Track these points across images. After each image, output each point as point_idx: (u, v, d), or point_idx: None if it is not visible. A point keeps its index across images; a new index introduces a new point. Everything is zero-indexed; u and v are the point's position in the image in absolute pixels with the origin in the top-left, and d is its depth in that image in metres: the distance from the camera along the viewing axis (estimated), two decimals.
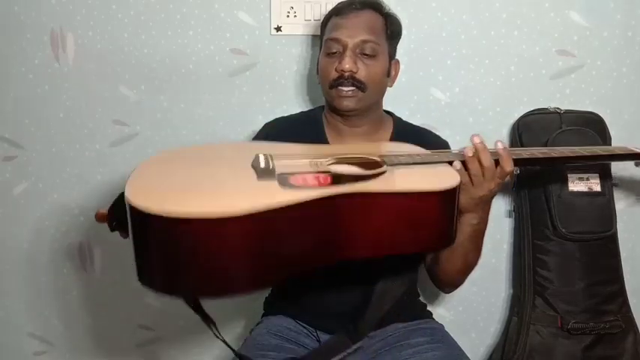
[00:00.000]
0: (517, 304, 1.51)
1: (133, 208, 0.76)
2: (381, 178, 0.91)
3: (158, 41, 1.52)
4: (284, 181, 0.85)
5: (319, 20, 1.31)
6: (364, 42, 1.15)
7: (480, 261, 1.24)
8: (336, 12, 1.21)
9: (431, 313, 1.30)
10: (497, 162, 1.00)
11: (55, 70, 1.55)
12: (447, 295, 1.53)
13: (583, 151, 1.08)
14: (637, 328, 1.45)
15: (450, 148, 1.30)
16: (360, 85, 1.15)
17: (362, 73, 1.15)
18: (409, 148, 1.09)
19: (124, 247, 1.69)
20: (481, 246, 1.14)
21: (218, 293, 0.79)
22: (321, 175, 0.90)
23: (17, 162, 1.60)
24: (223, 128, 1.55)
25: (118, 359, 1.70)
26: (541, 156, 1.06)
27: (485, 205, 1.06)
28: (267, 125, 1.33)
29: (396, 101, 1.46)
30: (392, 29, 1.22)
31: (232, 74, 1.53)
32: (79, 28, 1.53)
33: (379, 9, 1.21)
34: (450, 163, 0.99)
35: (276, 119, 1.34)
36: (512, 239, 1.57)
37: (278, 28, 1.49)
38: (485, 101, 1.51)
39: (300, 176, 0.88)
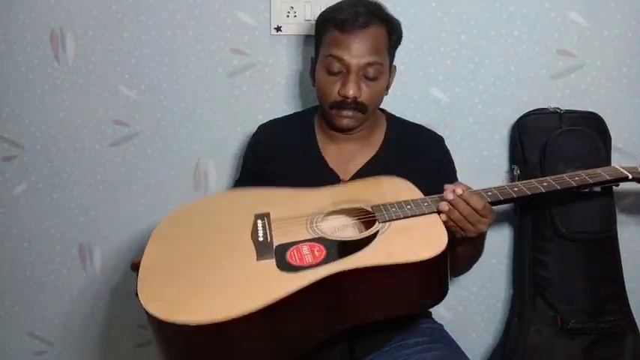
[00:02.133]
0: (517, 304, 1.51)
1: (148, 314, 0.90)
2: (373, 245, 0.96)
3: (158, 41, 1.52)
4: (282, 259, 0.94)
5: None
6: (369, 65, 1.11)
7: (480, 261, 1.24)
8: (338, 25, 1.12)
9: (430, 313, 1.30)
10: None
11: (55, 70, 1.55)
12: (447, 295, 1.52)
13: (569, 181, 1.09)
14: (637, 328, 1.45)
15: (444, 143, 1.30)
16: (361, 109, 1.13)
17: (364, 97, 1.13)
18: (403, 186, 1.10)
19: (124, 247, 1.70)
20: (482, 246, 1.15)
21: None
22: (316, 247, 0.96)
23: (17, 162, 1.60)
24: (223, 128, 1.55)
25: (118, 359, 1.70)
26: (517, 194, 1.06)
27: (481, 236, 1.09)
28: (260, 128, 1.32)
29: (396, 101, 1.46)
30: (394, 37, 1.18)
31: (232, 74, 1.53)
32: (79, 28, 1.53)
33: (383, 19, 1.15)
34: (439, 212, 1.02)
35: (270, 121, 1.34)
36: (512, 239, 1.56)
37: (278, 28, 1.49)
38: (485, 101, 1.51)
39: (297, 252, 0.95)
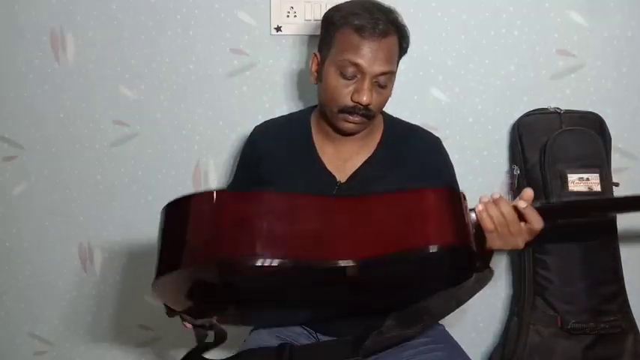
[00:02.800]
0: (517, 304, 1.51)
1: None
2: None
3: (158, 41, 1.52)
4: None
5: (319, 20, 1.29)
6: (383, 74, 1.11)
7: None
8: (356, 28, 1.09)
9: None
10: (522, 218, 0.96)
11: (55, 70, 1.55)
12: None
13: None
14: (637, 328, 1.45)
15: (441, 144, 1.28)
16: (369, 115, 1.13)
17: (374, 103, 1.12)
18: None
19: (124, 247, 1.70)
20: None
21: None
22: None
23: (17, 162, 1.60)
24: (223, 128, 1.55)
25: (118, 359, 1.70)
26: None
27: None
28: (256, 128, 1.31)
29: (396, 101, 1.46)
30: (405, 46, 1.18)
31: (232, 74, 1.53)
32: (79, 28, 1.53)
33: (398, 27, 1.14)
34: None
35: (266, 122, 1.32)
36: None
37: (278, 28, 1.49)
38: (485, 101, 1.51)
39: None
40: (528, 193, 0.96)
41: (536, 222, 0.95)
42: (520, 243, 0.97)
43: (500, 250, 0.99)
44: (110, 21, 1.52)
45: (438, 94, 1.52)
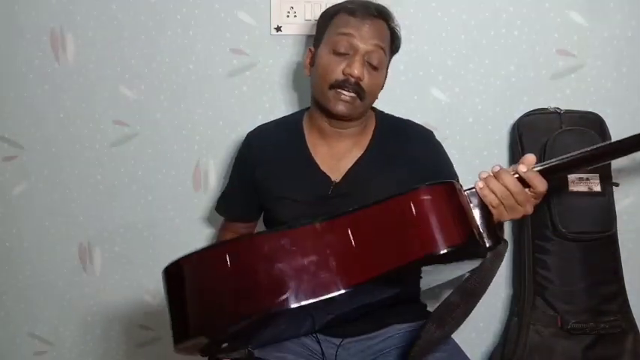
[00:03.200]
0: (517, 304, 1.51)
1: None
2: None
3: (158, 41, 1.52)
4: None
5: None
6: (375, 51, 1.13)
7: None
8: (349, 11, 1.15)
9: (431, 314, 1.30)
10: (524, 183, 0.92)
11: (55, 70, 1.55)
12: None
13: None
14: (637, 328, 1.45)
15: (434, 136, 1.28)
16: (361, 93, 1.13)
17: (366, 82, 1.13)
18: None
19: (124, 247, 1.70)
20: None
21: None
22: None
23: (17, 162, 1.60)
24: (223, 128, 1.55)
25: (118, 359, 1.70)
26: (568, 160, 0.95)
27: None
28: (249, 134, 1.32)
29: (396, 101, 1.46)
30: (395, 44, 1.21)
31: (232, 74, 1.53)
32: (79, 28, 1.53)
33: (390, 21, 1.19)
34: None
35: (258, 127, 1.33)
36: (512, 239, 1.56)
37: (278, 28, 1.49)
38: (485, 101, 1.51)
39: None
40: (529, 158, 0.93)
41: (541, 185, 0.92)
42: (529, 209, 0.94)
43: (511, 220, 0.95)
44: (110, 21, 1.52)
45: (438, 94, 1.52)
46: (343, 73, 1.12)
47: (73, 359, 1.70)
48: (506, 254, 1.56)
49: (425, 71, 1.51)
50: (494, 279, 1.59)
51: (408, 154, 1.21)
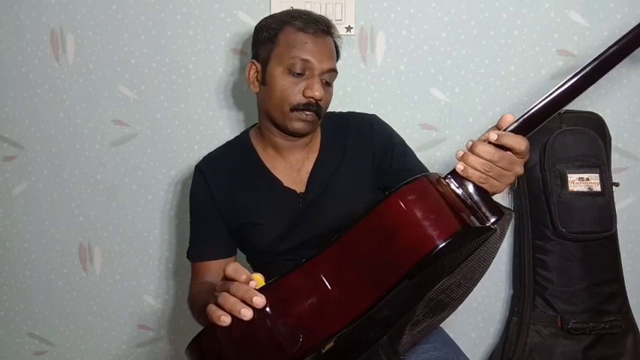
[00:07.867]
0: (517, 304, 1.51)
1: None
2: None
3: (158, 41, 1.52)
4: None
5: None
6: (330, 70, 1.13)
7: None
8: (297, 27, 1.12)
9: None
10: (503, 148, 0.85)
11: (55, 70, 1.55)
12: None
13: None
14: (637, 328, 1.45)
15: (377, 118, 1.26)
16: (319, 112, 1.13)
17: (323, 100, 1.13)
18: None
19: (124, 247, 1.70)
20: None
21: None
22: None
23: (17, 162, 1.60)
24: (223, 128, 1.55)
25: (118, 359, 1.70)
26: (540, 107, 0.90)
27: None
28: (199, 166, 1.24)
29: (396, 101, 1.46)
30: (339, 55, 1.20)
31: (232, 74, 1.53)
32: (79, 28, 1.53)
33: (335, 35, 1.17)
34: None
35: (206, 157, 1.26)
36: (512, 239, 1.57)
37: None
38: (485, 101, 1.52)
39: None
40: (505, 118, 0.88)
41: (518, 144, 0.84)
42: (519, 169, 0.87)
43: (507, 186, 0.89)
44: (110, 21, 1.52)
45: (438, 94, 1.52)
46: (304, 95, 1.11)
47: (73, 359, 1.70)
48: (506, 254, 1.58)
49: (425, 71, 1.51)
50: (493, 279, 1.60)
51: (360, 142, 1.21)
